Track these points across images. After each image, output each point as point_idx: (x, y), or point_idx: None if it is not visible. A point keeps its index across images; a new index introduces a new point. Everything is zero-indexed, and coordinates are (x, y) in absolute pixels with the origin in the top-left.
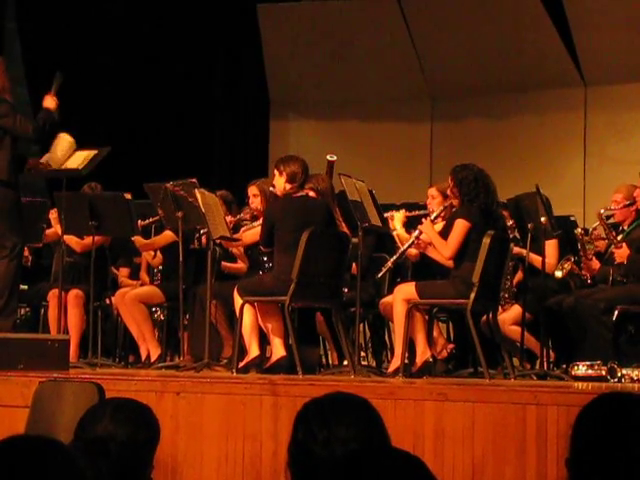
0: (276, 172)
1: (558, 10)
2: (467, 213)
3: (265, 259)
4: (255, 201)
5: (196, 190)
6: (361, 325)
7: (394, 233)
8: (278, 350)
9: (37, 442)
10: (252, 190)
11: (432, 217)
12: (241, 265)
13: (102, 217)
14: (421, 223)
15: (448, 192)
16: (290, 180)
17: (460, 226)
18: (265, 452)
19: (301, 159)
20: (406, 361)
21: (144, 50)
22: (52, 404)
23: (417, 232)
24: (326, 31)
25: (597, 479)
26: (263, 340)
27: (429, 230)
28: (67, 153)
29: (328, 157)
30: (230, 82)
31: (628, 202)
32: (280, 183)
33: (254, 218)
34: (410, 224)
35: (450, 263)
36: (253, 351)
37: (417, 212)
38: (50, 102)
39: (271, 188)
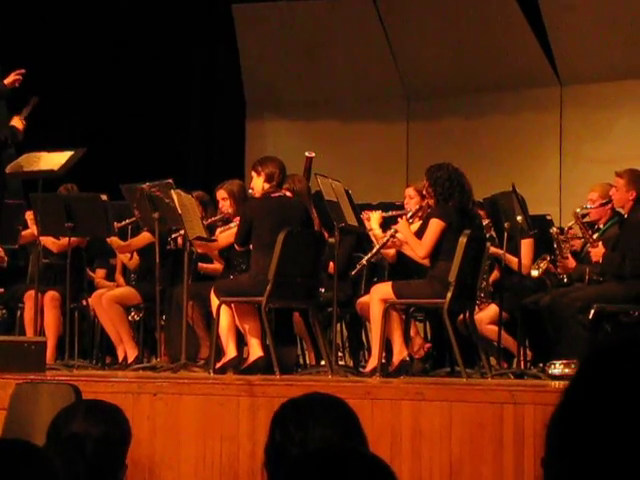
0: (254, 173)
1: (533, 10)
2: (442, 213)
3: (238, 260)
4: (225, 204)
5: (172, 191)
6: (338, 325)
7: (370, 233)
8: (255, 350)
9: (11, 445)
10: (220, 194)
11: (408, 216)
12: (217, 266)
13: (78, 218)
14: (397, 223)
15: (424, 192)
16: (268, 180)
17: (434, 225)
18: (242, 453)
19: (278, 159)
20: (383, 361)
21: (118, 50)
22: (29, 406)
23: (392, 231)
24: (302, 31)
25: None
26: (240, 341)
27: (404, 229)
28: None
29: (306, 153)
30: (205, 82)
31: (604, 201)
32: (258, 184)
33: (226, 221)
34: (387, 224)
35: (425, 262)
36: (230, 352)
37: (393, 212)
38: (18, 123)
39: (250, 190)
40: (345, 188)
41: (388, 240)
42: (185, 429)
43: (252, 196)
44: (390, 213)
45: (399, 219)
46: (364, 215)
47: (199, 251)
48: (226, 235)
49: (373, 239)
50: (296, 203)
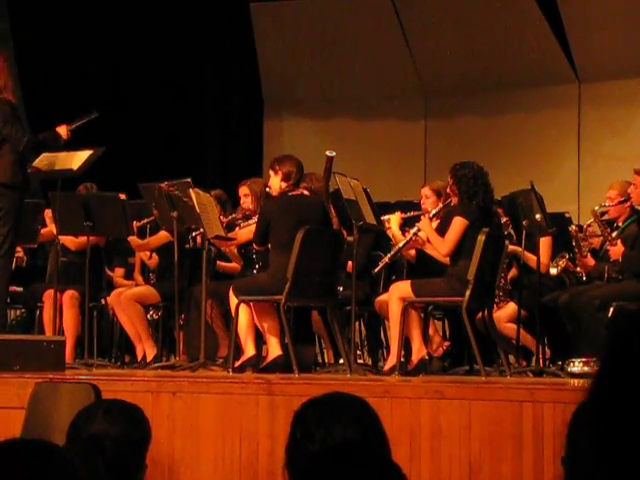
0: (271, 172)
1: (552, 7)
2: (465, 211)
3: (255, 257)
4: (246, 201)
5: (191, 190)
6: (357, 323)
7: (389, 232)
8: (274, 349)
9: (32, 446)
10: (243, 190)
11: (431, 215)
12: (236, 264)
13: (97, 217)
14: (419, 221)
15: (447, 190)
16: (285, 179)
17: (458, 223)
18: (262, 452)
19: (295, 158)
20: (402, 359)
21: (137, 50)
22: (48, 405)
23: (415, 229)
24: (319, 30)
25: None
26: (259, 339)
27: (427, 227)
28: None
29: (327, 153)
30: (224, 81)
31: (622, 199)
32: (276, 183)
33: (246, 217)
34: (405, 225)
35: (447, 260)
36: (249, 350)
37: (412, 213)
38: (63, 132)
39: (267, 189)
40: (363, 186)
41: (411, 238)
42: (204, 428)
43: (270, 195)
44: (409, 214)
45: (422, 217)
46: (384, 218)
47: (219, 248)
48: (246, 231)
49: (392, 238)
50: (314, 202)
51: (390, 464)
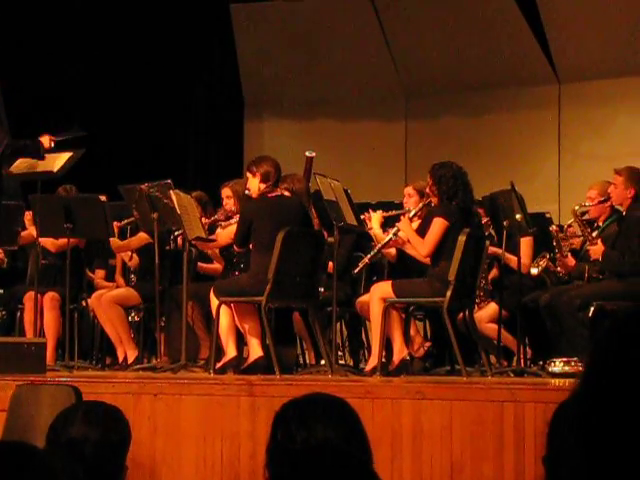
0: (249, 174)
1: (531, 7)
2: (446, 212)
3: (236, 259)
4: (229, 202)
5: (171, 191)
6: (338, 324)
7: (371, 231)
8: (255, 350)
9: (12, 448)
10: (225, 192)
11: (410, 215)
12: (217, 266)
13: (77, 219)
14: (399, 221)
15: (427, 190)
16: (264, 180)
17: (438, 224)
18: (243, 453)
19: (272, 158)
20: (383, 360)
21: (116, 51)
22: (29, 407)
23: (395, 229)
24: (299, 31)
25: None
26: (240, 340)
27: (407, 228)
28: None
29: (307, 153)
30: (204, 82)
31: (602, 198)
32: (254, 184)
33: (228, 218)
34: (388, 223)
35: (427, 260)
36: (230, 352)
37: (394, 212)
38: (46, 142)
39: (246, 191)
40: (344, 187)
41: (390, 239)
42: (186, 429)
43: (249, 197)
44: (391, 212)
45: (401, 217)
46: (365, 215)
47: (200, 249)
48: (225, 234)
49: (374, 238)
50: (294, 202)
51: (370, 472)
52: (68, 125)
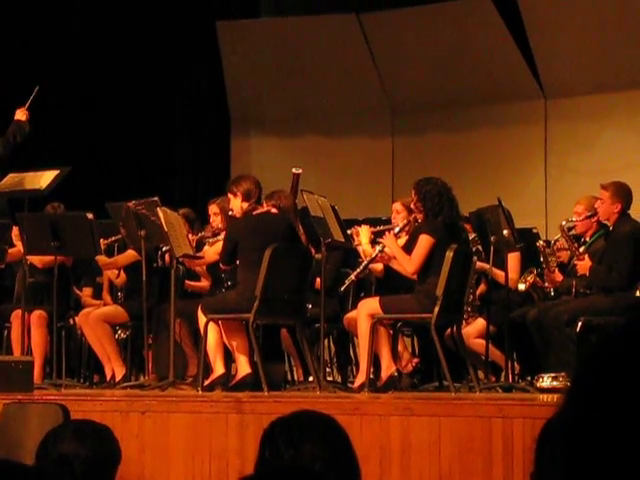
0: (230, 195)
1: (517, 24)
2: (431, 228)
3: (224, 276)
4: (216, 219)
5: (158, 209)
6: (326, 341)
7: (359, 248)
8: (243, 367)
9: (1, 465)
10: (212, 209)
11: (395, 231)
12: (204, 283)
13: (64, 237)
14: (384, 237)
15: (412, 206)
16: (246, 198)
17: (424, 242)
18: (231, 470)
19: (251, 176)
20: (371, 376)
21: (103, 68)
22: (17, 426)
23: (380, 246)
24: (286, 47)
25: None
26: (228, 358)
27: (392, 244)
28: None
29: (293, 170)
30: (190, 100)
31: (589, 214)
32: (237, 205)
33: (215, 235)
34: (376, 239)
35: (414, 276)
36: (218, 369)
37: (382, 227)
38: (21, 115)
39: (230, 212)
40: (331, 204)
41: (376, 255)
42: (174, 447)
43: (234, 216)
44: (379, 228)
45: (386, 233)
46: (353, 230)
47: (187, 266)
48: (213, 251)
49: (362, 254)
50: (280, 219)
51: None
52: (56, 144)
